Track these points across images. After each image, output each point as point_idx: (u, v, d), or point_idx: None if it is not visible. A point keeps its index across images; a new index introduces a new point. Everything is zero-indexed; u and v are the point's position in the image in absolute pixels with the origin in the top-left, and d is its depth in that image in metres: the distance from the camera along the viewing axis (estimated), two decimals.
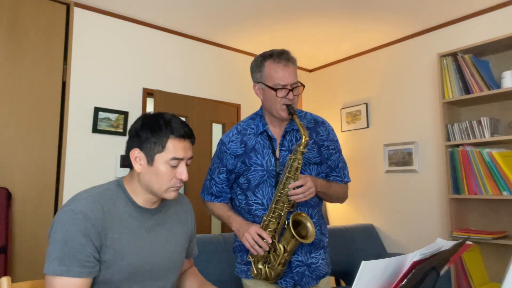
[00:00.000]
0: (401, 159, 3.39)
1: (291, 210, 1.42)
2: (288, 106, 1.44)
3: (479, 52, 2.75)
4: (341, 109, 3.96)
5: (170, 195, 1.15)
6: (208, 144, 3.34)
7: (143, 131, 1.12)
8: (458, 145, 2.72)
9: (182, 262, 1.29)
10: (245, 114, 3.66)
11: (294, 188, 1.37)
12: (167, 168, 1.12)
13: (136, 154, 1.13)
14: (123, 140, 2.95)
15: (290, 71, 1.44)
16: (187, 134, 1.14)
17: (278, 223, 1.42)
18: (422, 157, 3.25)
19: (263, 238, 1.39)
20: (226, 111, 3.55)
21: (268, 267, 1.43)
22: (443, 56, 2.82)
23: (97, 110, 2.83)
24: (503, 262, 2.62)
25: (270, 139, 1.53)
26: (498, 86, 2.62)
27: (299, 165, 1.40)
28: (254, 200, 1.52)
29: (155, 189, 1.14)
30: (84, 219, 1.03)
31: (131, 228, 1.12)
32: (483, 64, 2.72)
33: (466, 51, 2.73)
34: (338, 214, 3.82)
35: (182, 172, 1.13)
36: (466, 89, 2.70)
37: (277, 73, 1.43)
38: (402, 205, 3.37)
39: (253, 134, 1.55)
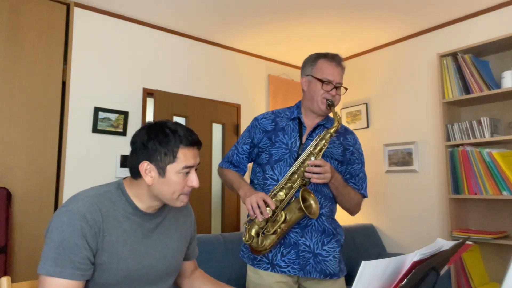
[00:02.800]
0: (401, 159, 3.39)
1: (303, 187, 1.47)
2: (328, 100, 1.55)
3: (479, 52, 2.75)
4: (341, 109, 3.96)
5: (182, 202, 1.15)
6: (208, 144, 3.34)
7: (151, 143, 1.10)
8: (458, 145, 2.72)
9: (179, 266, 1.28)
10: (245, 114, 3.66)
11: (312, 165, 1.43)
12: (179, 177, 1.11)
13: (146, 167, 1.10)
14: (123, 140, 2.97)
15: (339, 72, 1.61)
16: (195, 141, 1.14)
17: (286, 195, 1.47)
18: (422, 157, 3.25)
19: (267, 206, 1.42)
20: (226, 111, 3.55)
21: (261, 235, 1.45)
22: (443, 56, 2.82)
23: (97, 110, 2.83)
24: (503, 262, 2.62)
25: (301, 125, 1.62)
26: (498, 86, 2.62)
27: (324, 147, 1.48)
28: (271, 175, 1.57)
29: (167, 199, 1.13)
30: (81, 220, 1.02)
31: (129, 231, 1.12)
32: (483, 64, 2.72)
33: (466, 51, 2.73)
34: (338, 214, 3.82)
35: (194, 180, 1.14)
36: (466, 89, 2.70)
37: (328, 69, 1.59)
38: (402, 205, 3.37)
39: (286, 118, 1.66)
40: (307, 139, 1.59)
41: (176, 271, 1.27)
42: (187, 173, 1.13)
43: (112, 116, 2.90)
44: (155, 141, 1.10)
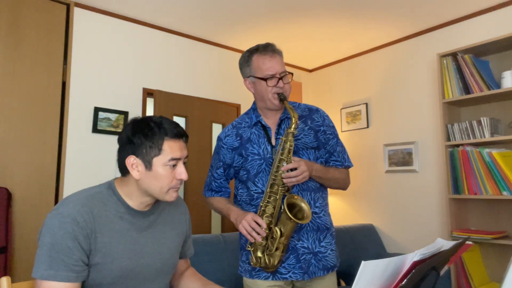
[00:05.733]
0: (401, 159, 3.39)
1: (287, 193, 1.44)
2: (279, 94, 1.49)
3: (479, 52, 2.75)
4: (341, 109, 3.96)
5: (171, 196, 1.15)
6: (208, 144, 3.34)
7: (136, 137, 1.11)
8: (458, 145, 2.72)
9: (175, 264, 1.28)
10: None
11: (287, 171, 1.40)
12: (166, 170, 1.11)
13: (132, 161, 1.11)
14: None
15: (277, 61, 1.51)
16: (180, 133, 1.14)
17: (274, 207, 1.43)
18: (422, 157, 3.25)
19: (260, 225, 1.40)
20: (226, 111, 3.55)
21: (267, 254, 1.43)
22: (443, 56, 2.82)
23: (97, 110, 2.83)
24: (503, 262, 2.62)
25: (265, 128, 1.56)
26: (498, 86, 2.62)
27: (291, 147, 1.43)
28: (255, 190, 1.53)
29: (156, 193, 1.13)
30: (72, 222, 1.02)
31: (122, 230, 1.11)
32: (483, 64, 2.72)
33: (466, 51, 2.73)
34: (338, 214, 3.82)
35: (182, 172, 1.13)
36: (466, 89, 2.70)
37: (265, 64, 1.50)
38: (402, 205, 3.37)
39: (247, 127, 1.59)
40: (276, 139, 1.54)
41: (173, 269, 1.27)
42: (174, 165, 1.12)
43: (112, 116, 2.90)
44: (140, 134, 1.10)
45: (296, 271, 1.48)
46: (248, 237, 1.41)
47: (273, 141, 1.54)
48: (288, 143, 1.43)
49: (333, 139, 1.61)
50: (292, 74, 1.55)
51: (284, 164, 1.41)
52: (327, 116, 1.64)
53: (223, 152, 1.60)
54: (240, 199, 1.59)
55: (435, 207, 3.12)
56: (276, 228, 1.40)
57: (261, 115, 1.59)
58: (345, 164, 1.63)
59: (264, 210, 1.44)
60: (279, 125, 1.56)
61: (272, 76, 1.49)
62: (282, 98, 1.48)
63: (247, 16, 3.04)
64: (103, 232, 1.07)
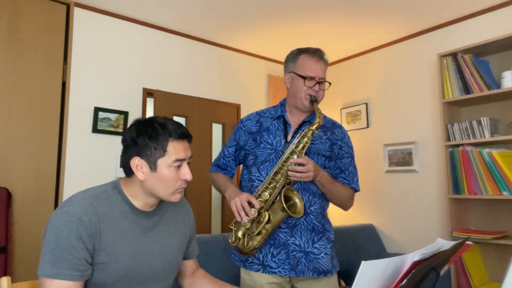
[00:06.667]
0: (401, 159, 3.39)
1: (286, 186, 1.47)
2: (311, 96, 1.54)
3: (479, 52, 2.75)
4: (341, 109, 3.96)
5: (176, 197, 1.16)
6: (208, 144, 3.34)
7: (140, 138, 1.11)
8: (458, 145, 2.72)
9: (178, 265, 1.28)
10: (245, 114, 3.66)
11: (295, 164, 1.42)
12: (170, 171, 1.11)
13: (137, 163, 1.11)
14: None
15: (321, 66, 1.57)
16: (184, 134, 1.14)
17: (270, 194, 1.46)
18: (422, 157, 3.25)
19: (252, 206, 1.41)
20: (226, 111, 3.55)
21: (247, 236, 1.45)
22: (443, 56, 2.82)
23: (97, 110, 2.83)
24: (503, 262, 2.62)
25: (286, 124, 1.61)
26: (498, 86, 2.62)
27: (306, 144, 1.46)
28: (257, 176, 1.56)
29: (161, 194, 1.13)
30: (77, 221, 1.02)
31: (126, 230, 1.12)
32: (483, 64, 2.72)
33: (466, 51, 2.73)
34: (338, 214, 3.82)
35: (187, 173, 1.14)
36: (466, 89, 2.70)
37: (309, 65, 1.56)
38: (402, 205, 3.37)
39: (270, 118, 1.65)
40: (292, 137, 1.57)
41: (176, 270, 1.27)
42: (179, 166, 1.13)
43: (112, 116, 2.90)
44: (144, 136, 1.10)
45: (285, 267, 1.50)
46: (236, 215, 1.43)
47: (289, 138, 1.58)
48: (305, 138, 1.46)
49: (348, 158, 1.63)
50: (330, 83, 1.60)
51: (295, 157, 1.45)
52: (348, 136, 1.69)
53: (239, 133, 1.66)
54: (244, 184, 1.63)
55: (435, 207, 3.12)
56: (266, 213, 1.43)
57: (287, 111, 1.64)
58: (352, 185, 1.63)
59: (260, 194, 1.47)
60: (300, 126, 1.59)
61: (312, 78, 1.54)
62: (313, 99, 1.53)
63: (247, 16, 3.04)
64: (108, 232, 1.08)
